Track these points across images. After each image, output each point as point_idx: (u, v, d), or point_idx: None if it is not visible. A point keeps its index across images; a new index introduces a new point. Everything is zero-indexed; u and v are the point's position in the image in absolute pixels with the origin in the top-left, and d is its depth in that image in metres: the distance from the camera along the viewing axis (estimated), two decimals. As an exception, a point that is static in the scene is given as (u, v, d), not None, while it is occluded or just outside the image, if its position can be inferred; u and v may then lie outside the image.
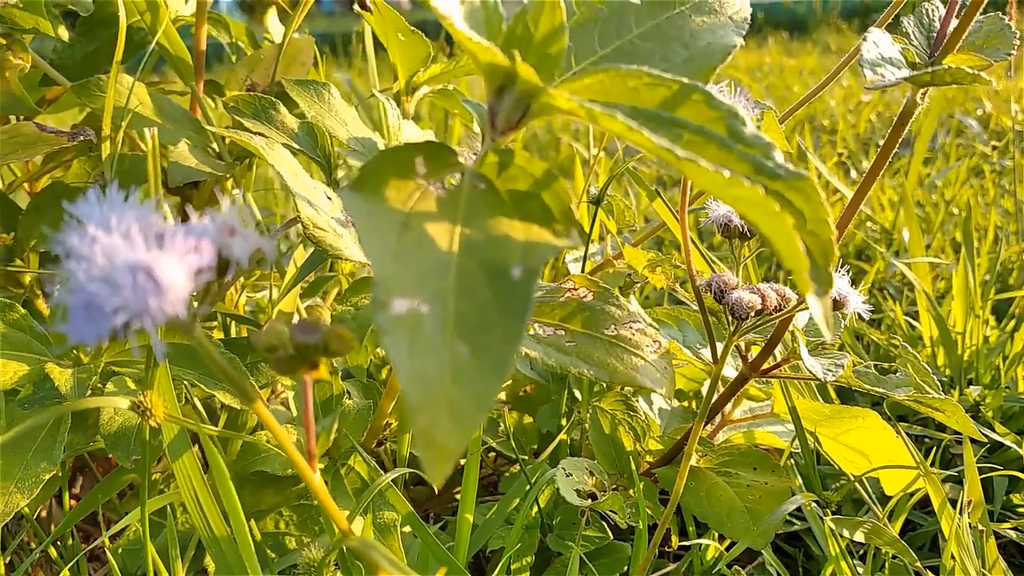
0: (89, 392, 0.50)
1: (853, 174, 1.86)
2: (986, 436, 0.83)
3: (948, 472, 0.73)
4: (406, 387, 0.27)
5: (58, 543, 0.69)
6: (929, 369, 0.65)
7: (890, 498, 0.73)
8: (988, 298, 1.05)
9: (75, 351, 0.54)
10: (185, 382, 0.54)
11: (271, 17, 0.95)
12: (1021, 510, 0.82)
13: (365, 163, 0.34)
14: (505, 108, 0.39)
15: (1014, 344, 0.97)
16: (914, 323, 1.08)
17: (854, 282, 1.33)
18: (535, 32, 0.39)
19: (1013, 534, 0.76)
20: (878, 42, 0.49)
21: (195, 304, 0.31)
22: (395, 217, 0.32)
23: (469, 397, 0.28)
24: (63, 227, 0.28)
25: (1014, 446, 0.80)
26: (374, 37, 1.15)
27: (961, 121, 2.33)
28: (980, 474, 0.70)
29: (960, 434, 0.87)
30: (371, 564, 0.40)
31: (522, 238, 0.33)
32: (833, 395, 0.88)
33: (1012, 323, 1.04)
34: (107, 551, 0.53)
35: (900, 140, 0.57)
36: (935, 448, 0.82)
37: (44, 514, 0.76)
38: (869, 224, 1.53)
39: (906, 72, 0.48)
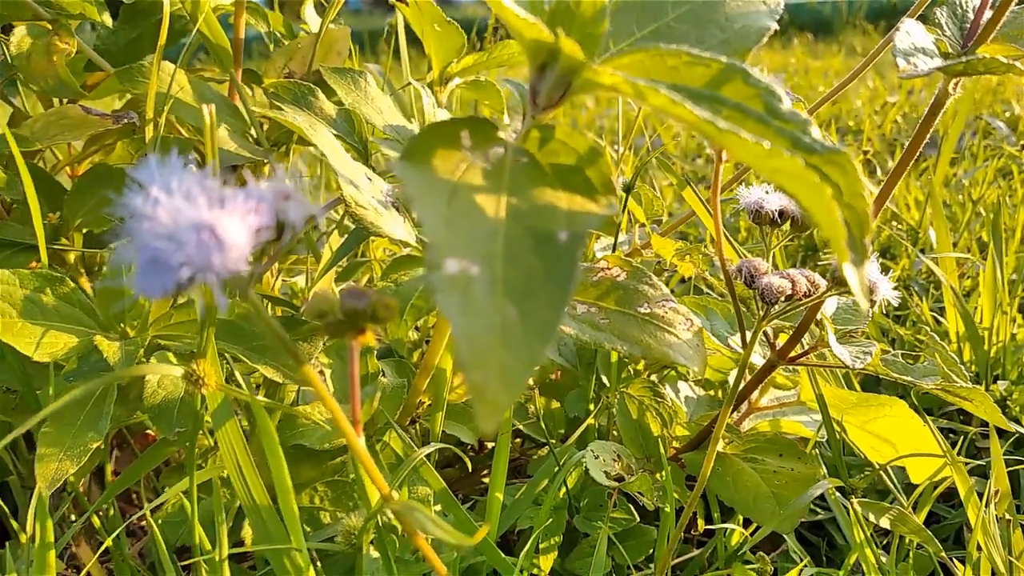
0: (136, 364, 0.52)
1: (879, 173, 1.86)
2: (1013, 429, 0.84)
3: (975, 462, 0.73)
4: (459, 345, 0.28)
5: (99, 514, 0.71)
6: (957, 360, 0.66)
7: (914, 489, 0.74)
8: (1016, 295, 1.05)
9: (121, 325, 0.55)
10: (227, 356, 0.55)
11: (308, 8, 0.97)
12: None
13: (413, 135, 0.35)
14: (547, 85, 0.40)
15: (1041, 341, 0.97)
16: (940, 319, 1.09)
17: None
18: (577, 11, 0.40)
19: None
20: (911, 32, 0.50)
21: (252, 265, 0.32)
22: (444, 185, 0.33)
23: (517, 358, 0.29)
24: (123, 194, 0.29)
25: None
26: (407, 31, 1.17)
27: (989, 123, 2.31)
28: (1007, 467, 0.70)
29: (986, 427, 0.87)
30: (411, 528, 0.41)
31: (566, 207, 0.34)
32: (857, 386, 0.88)
33: (1039, 321, 1.04)
34: (150, 521, 0.54)
35: (928, 136, 0.58)
36: (961, 441, 0.82)
37: (81, 490, 0.78)
38: (895, 223, 1.53)
39: (939, 62, 0.48)
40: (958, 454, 0.82)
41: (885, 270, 1.35)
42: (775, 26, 0.48)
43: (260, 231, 0.30)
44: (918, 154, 0.58)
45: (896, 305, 0.58)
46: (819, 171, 0.36)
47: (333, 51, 0.89)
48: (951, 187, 1.66)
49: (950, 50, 0.53)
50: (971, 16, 0.56)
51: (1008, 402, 0.90)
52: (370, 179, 0.52)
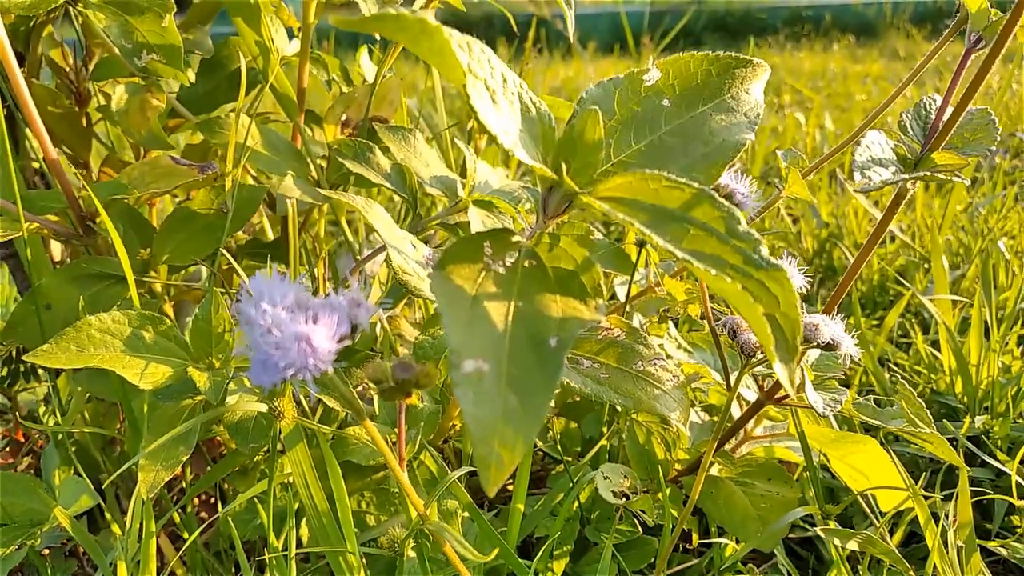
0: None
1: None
2: (989, 463, 0.92)
3: (936, 495, 0.82)
4: (470, 427, 0.39)
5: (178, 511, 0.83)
6: (923, 404, 0.74)
7: (899, 514, 0.83)
8: (1013, 330, 1.12)
9: (209, 357, 0.67)
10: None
11: (363, 56, 1.08)
12: (1020, 530, 0.91)
13: (446, 249, 0.46)
14: (554, 201, 0.50)
15: (1027, 376, 1.05)
16: (937, 353, 1.17)
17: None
18: (580, 143, 0.50)
19: (1004, 552, 0.85)
20: (871, 145, 0.59)
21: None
22: (467, 295, 0.44)
23: (516, 434, 0.39)
24: (240, 298, 0.40)
25: (1009, 472, 0.89)
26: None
27: (1023, 139, 2.35)
28: (984, 496, 0.79)
29: (972, 457, 0.96)
30: (442, 540, 0.52)
31: (559, 312, 0.44)
32: (851, 420, 0.97)
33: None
34: (228, 520, 0.66)
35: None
36: (931, 472, 0.91)
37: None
38: (911, 247, 1.60)
39: (890, 173, 0.57)
40: (938, 483, 0.91)
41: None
42: (752, 138, 0.58)
43: (342, 339, 0.41)
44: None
45: (857, 359, 0.67)
46: (763, 284, 0.46)
47: (386, 100, 1.00)
48: (969, 212, 1.71)
49: (908, 154, 0.61)
50: (933, 117, 0.65)
51: (988, 435, 0.98)
52: (414, 246, 0.63)
